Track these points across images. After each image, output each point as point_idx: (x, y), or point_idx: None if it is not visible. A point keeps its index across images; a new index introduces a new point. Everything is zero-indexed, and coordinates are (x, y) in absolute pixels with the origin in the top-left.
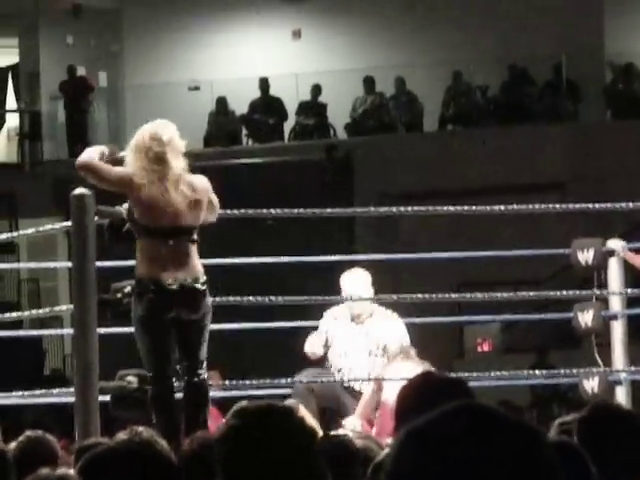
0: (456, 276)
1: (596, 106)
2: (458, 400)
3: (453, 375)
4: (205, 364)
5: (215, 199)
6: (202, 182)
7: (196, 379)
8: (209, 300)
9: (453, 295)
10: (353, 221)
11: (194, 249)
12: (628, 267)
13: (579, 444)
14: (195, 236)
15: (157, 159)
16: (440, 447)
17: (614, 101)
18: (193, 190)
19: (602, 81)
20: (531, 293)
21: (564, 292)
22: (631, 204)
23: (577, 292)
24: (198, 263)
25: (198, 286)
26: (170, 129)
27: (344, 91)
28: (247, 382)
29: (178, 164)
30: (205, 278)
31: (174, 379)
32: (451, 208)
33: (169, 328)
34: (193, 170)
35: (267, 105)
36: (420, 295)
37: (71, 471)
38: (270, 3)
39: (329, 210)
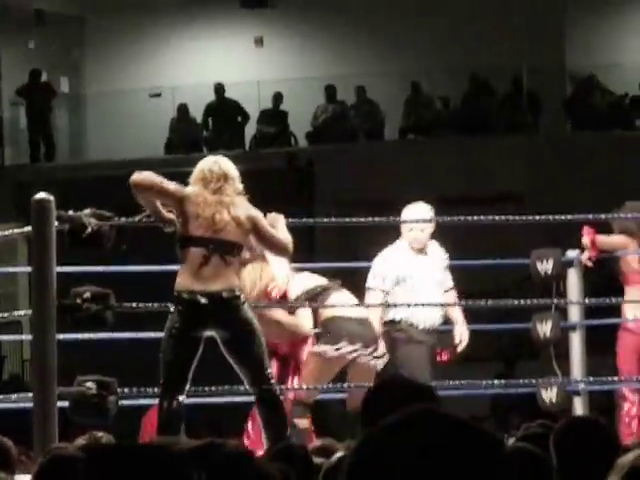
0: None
1: (556, 117)
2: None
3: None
4: (269, 372)
5: (273, 235)
6: (250, 212)
7: (261, 389)
8: (248, 311)
9: (412, 304)
10: (313, 229)
11: (234, 265)
12: (587, 276)
13: (554, 453)
14: (238, 254)
15: (212, 179)
16: (397, 453)
17: (574, 113)
18: (241, 212)
19: (563, 93)
20: (489, 302)
21: (522, 301)
22: (590, 215)
23: (534, 301)
24: (235, 277)
25: (227, 296)
26: (225, 162)
27: (305, 99)
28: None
29: (232, 190)
30: (240, 292)
31: (182, 397)
32: (412, 218)
33: (192, 343)
34: None
35: (223, 109)
36: (380, 304)
37: (26, 477)
38: (232, 11)
39: (289, 220)
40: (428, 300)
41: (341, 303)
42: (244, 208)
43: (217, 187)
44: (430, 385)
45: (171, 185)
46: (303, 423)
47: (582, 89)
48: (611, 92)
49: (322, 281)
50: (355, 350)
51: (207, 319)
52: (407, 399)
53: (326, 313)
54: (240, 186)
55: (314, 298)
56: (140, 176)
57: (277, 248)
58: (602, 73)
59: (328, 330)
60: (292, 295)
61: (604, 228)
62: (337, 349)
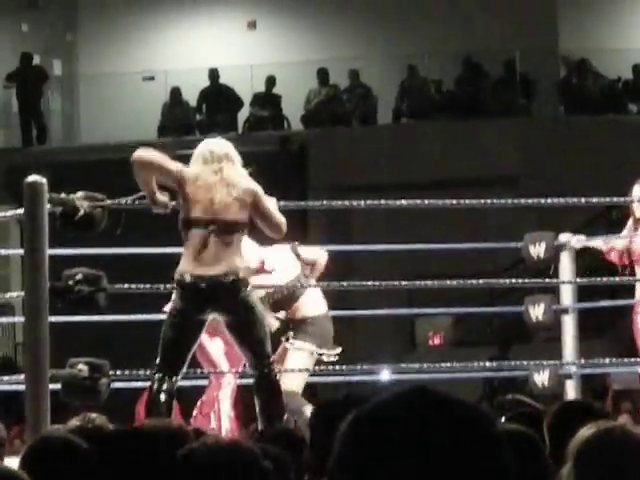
0: (410, 269)
1: (549, 101)
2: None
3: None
4: (270, 357)
5: (272, 212)
6: (250, 185)
7: (260, 373)
8: (250, 294)
9: (403, 283)
10: (306, 213)
11: (235, 246)
12: (580, 260)
13: (547, 435)
14: (241, 233)
15: (213, 160)
16: (388, 428)
17: (567, 96)
18: (241, 190)
19: (556, 76)
20: (481, 281)
21: (514, 282)
22: (583, 199)
23: (526, 281)
24: (237, 259)
25: (227, 280)
26: (225, 144)
27: (298, 83)
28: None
29: (233, 170)
30: (243, 274)
31: (176, 378)
32: (405, 202)
33: (192, 326)
34: None
35: (218, 93)
36: (372, 283)
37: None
38: None
39: (282, 203)
40: None
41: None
42: (246, 184)
43: (218, 168)
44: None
45: (172, 164)
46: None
47: (575, 73)
48: (604, 76)
49: (297, 271)
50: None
51: (208, 303)
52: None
53: (306, 311)
54: (242, 169)
55: (292, 293)
56: (142, 152)
57: (274, 226)
58: (595, 57)
59: (311, 329)
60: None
61: (600, 210)
62: (321, 354)
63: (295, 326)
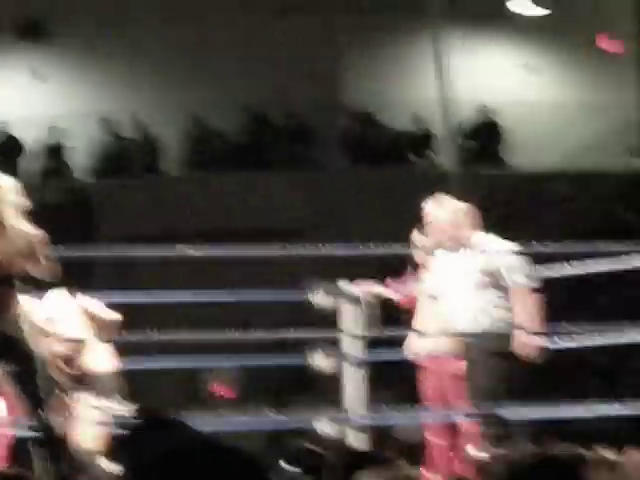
0: (198, 320)
1: (333, 153)
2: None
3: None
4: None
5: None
6: (29, 231)
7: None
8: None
9: (184, 334)
10: (93, 264)
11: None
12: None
13: None
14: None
15: None
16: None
17: (351, 148)
18: (19, 238)
19: (340, 128)
20: (269, 334)
21: (298, 334)
22: (369, 249)
23: (313, 334)
24: None
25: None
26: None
27: (86, 134)
28: None
29: (10, 211)
30: None
31: None
32: (192, 252)
33: None
34: None
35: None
36: (152, 333)
37: None
38: (8, 41)
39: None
40: None
41: None
42: (23, 231)
43: None
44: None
45: None
46: None
47: (357, 124)
48: (387, 128)
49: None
50: None
51: None
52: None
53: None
54: (19, 200)
55: None
56: None
57: (50, 271)
58: (379, 109)
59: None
60: None
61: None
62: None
63: (80, 381)
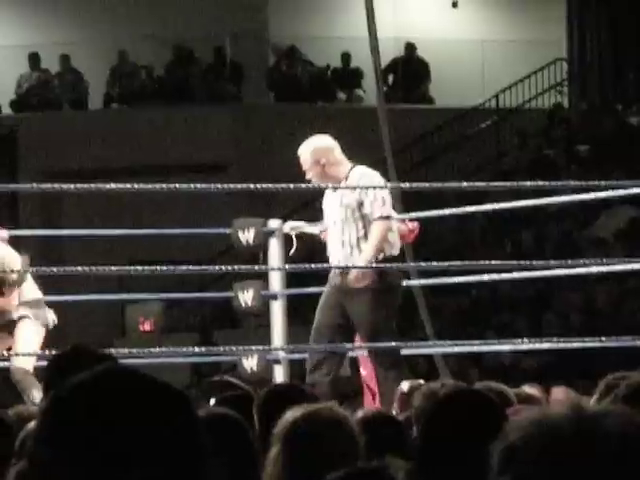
0: (122, 256)
1: (259, 88)
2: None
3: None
4: None
5: None
6: None
7: None
8: None
9: (114, 268)
10: (17, 199)
11: None
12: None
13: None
14: None
15: None
16: (85, 410)
17: (277, 84)
18: None
19: (265, 63)
20: (191, 267)
21: (224, 268)
22: (292, 185)
23: (236, 267)
24: None
25: None
26: None
27: (9, 67)
28: None
29: None
30: None
31: None
32: (115, 186)
33: None
34: None
35: None
36: (82, 268)
37: None
38: None
39: None
40: None
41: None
42: None
43: None
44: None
45: None
46: None
47: (284, 60)
48: (313, 64)
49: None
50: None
51: None
52: (86, 366)
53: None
54: None
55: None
56: None
57: None
58: (304, 44)
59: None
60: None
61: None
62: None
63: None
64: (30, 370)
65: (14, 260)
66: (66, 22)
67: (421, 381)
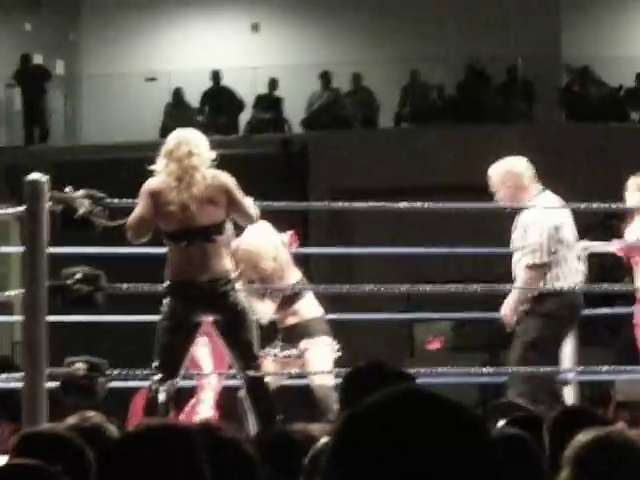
0: (409, 274)
1: (551, 108)
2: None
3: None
4: (257, 360)
5: (242, 200)
6: (219, 180)
7: (248, 375)
8: (239, 297)
9: (402, 288)
10: (307, 217)
11: (214, 249)
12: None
13: (547, 439)
14: (215, 235)
15: (177, 159)
16: (382, 430)
17: (569, 103)
18: (207, 187)
19: (558, 83)
20: (480, 286)
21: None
22: (582, 205)
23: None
24: (219, 262)
25: (213, 285)
26: (189, 135)
27: (300, 86)
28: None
29: (200, 166)
30: (230, 276)
31: (175, 379)
32: (405, 205)
33: (183, 330)
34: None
35: (220, 95)
36: (372, 286)
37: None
38: None
39: (284, 203)
40: None
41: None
42: (215, 183)
43: (183, 170)
44: (410, 374)
45: (141, 206)
46: None
47: (577, 80)
48: (606, 84)
49: (299, 274)
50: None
51: (196, 307)
52: (385, 383)
53: (306, 313)
54: (208, 155)
55: (296, 294)
56: (129, 230)
57: (248, 217)
58: (598, 65)
59: (313, 329)
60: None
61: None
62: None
63: (289, 330)
64: (332, 386)
65: (264, 251)
66: (357, 42)
67: None
